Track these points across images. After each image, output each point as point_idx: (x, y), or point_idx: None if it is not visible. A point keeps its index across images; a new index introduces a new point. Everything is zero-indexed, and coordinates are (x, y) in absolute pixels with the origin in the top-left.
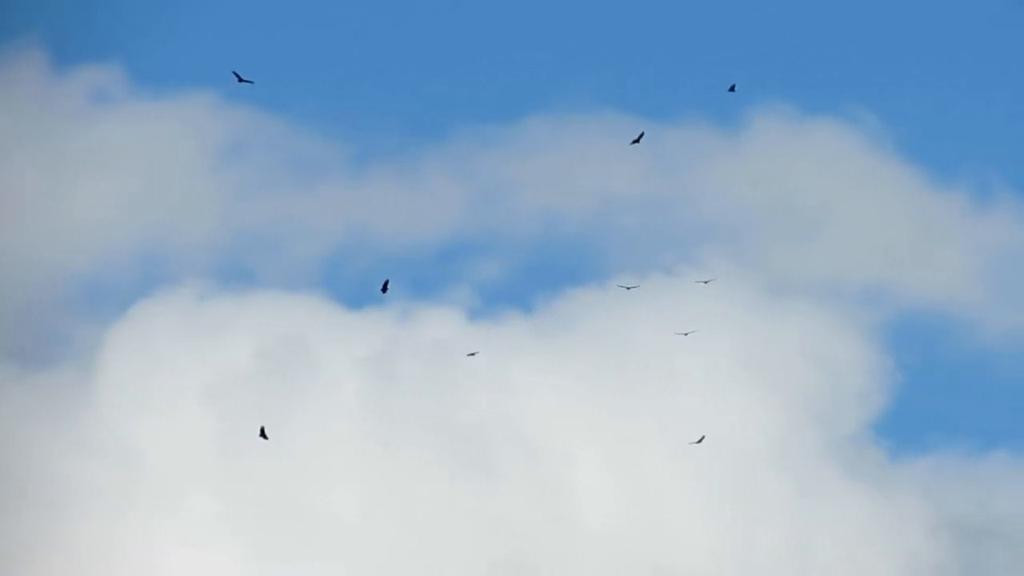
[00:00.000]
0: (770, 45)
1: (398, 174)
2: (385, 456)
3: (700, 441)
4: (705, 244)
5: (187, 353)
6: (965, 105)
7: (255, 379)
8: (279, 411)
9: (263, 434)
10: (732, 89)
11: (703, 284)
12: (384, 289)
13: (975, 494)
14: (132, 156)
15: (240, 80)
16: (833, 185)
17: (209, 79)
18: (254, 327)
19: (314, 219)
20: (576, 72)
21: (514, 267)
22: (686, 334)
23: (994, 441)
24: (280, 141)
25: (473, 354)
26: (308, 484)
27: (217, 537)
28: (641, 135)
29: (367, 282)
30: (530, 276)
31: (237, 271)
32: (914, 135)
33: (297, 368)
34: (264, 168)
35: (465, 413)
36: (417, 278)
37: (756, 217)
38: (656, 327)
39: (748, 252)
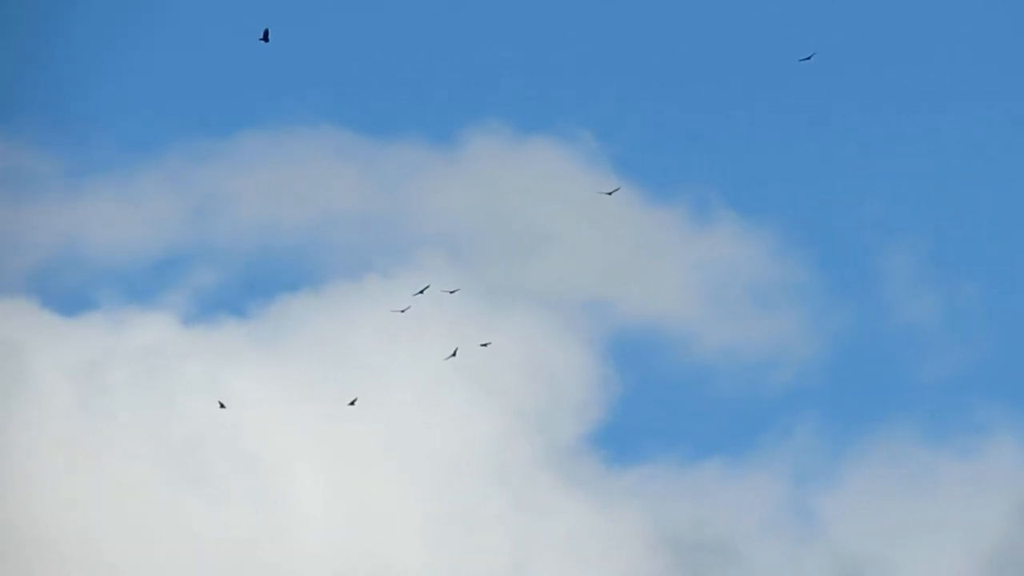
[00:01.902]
0: (485, 64)
1: (114, 188)
2: (98, 466)
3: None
4: (423, 253)
5: None
6: (682, 123)
7: None
8: None
9: None
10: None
11: (448, 293)
12: (265, 38)
13: (692, 507)
14: None
15: (266, 38)
16: (552, 202)
17: None
18: None
19: (28, 231)
20: (294, 87)
21: (230, 276)
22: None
23: (709, 451)
24: None
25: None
26: (16, 494)
27: None
28: (616, 189)
29: (80, 291)
30: (246, 284)
31: None
32: (631, 153)
33: (7, 375)
34: None
35: (180, 421)
36: (131, 286)
37: (475, 233)
38: (373, 334)
39: (467, 264)
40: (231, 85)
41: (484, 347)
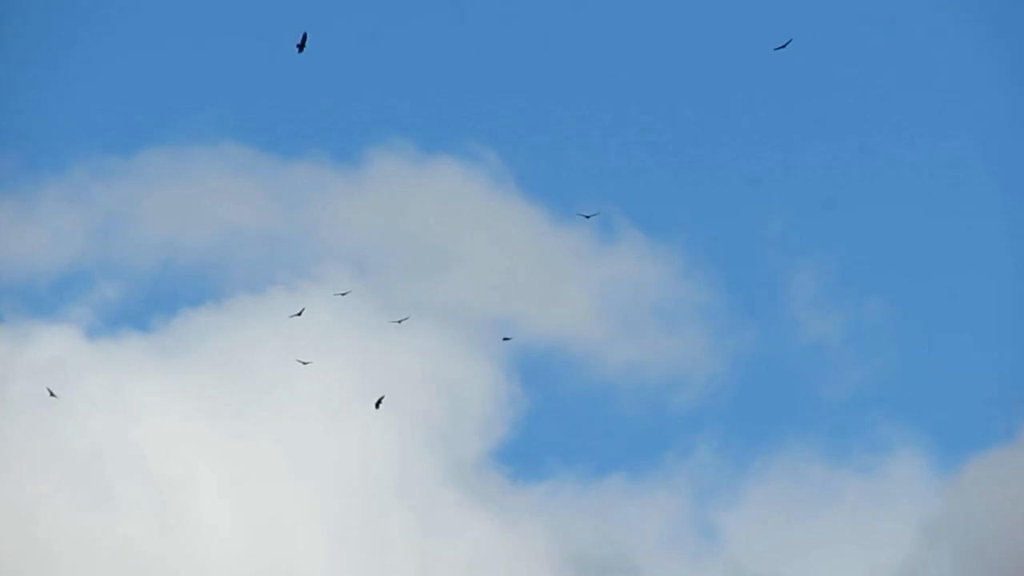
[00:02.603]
0: (389, 83)
1: (16, 204)
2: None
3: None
4: (327, 268)
5: None
6: (587, 142)
7: None
8: None
9: None
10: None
11: (340, 296)
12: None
13: (596, 523)
14: None
15: (302, 46)
16: (456, 222)
17: None
18: None
19: None
20: (197, 104)
21: (133, 291)
22: (305, 363)
23: (612, 468)
24: None
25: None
26: None
27: None
28: (595, 214)
29: None
30: (149, 299)
31: None
32: (536, 173)
33: None
34: None
35: (82, 436)
36: (34, 300)
37: (379, 250)
38: (276, 349)
39: (371, 279)
40: (134, 103)
41: (399, 323)
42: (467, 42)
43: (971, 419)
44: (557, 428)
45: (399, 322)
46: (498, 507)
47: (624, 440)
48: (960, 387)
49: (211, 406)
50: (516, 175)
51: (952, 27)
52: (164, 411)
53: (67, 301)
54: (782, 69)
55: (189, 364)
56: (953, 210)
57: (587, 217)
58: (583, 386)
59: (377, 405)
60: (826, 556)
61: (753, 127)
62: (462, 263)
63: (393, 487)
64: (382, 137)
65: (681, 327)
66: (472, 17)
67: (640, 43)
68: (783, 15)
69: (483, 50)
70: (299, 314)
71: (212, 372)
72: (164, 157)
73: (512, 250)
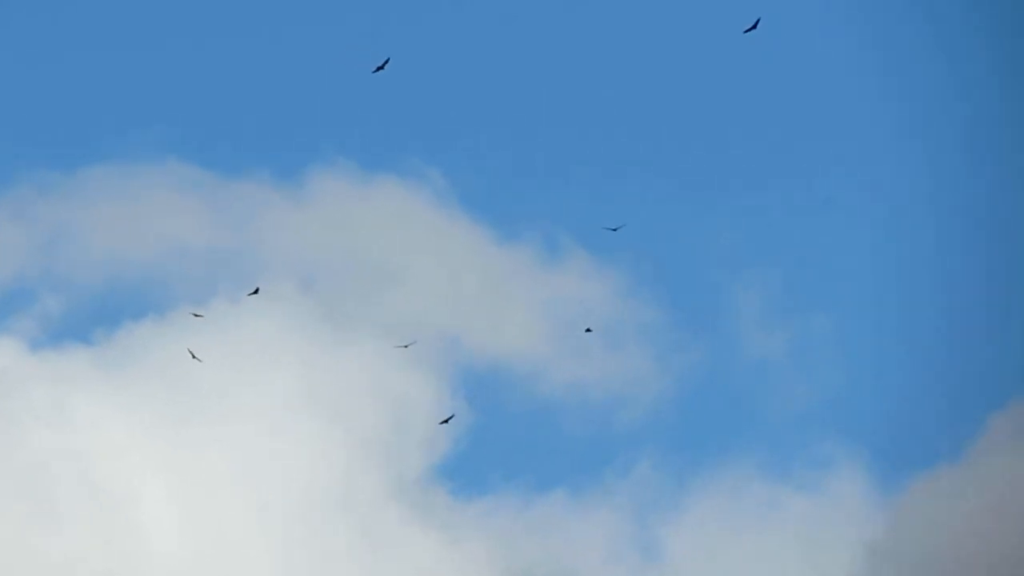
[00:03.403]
0: (331, 102)
1: None
2: None
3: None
4: (270, 282)
5: None
6: (529, 162)
7: None
8: None
9: None
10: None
11: (196, 317)
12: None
13: (539, 539)
14: None
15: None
16: (400, 240)
17: None
18: None
19: None
20: (139, 122)
21: (76, 305)
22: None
23: (553, 483)
24: None
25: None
26: None
27: None
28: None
29: None
30: (93, 313)
31: None
32: (479, 191)
33: None
34: None
35: (25, 449)
36: None
37: (322, 267)
38: (219, 359)
39: (314, 295)
40: (77, 118)
41: (406, 347)
42: (411, 60)
43: (916, 437)
44: (500, 444)
45: (406, 347)
46: (442, 522)
47: (566, 457)
48: (905, 405)
49: (155, 418)
50: (459, 194)
51: (903, 38)
52: (108, 423)
53: (9, 314)
54: (727, 81)
55: (132, 376)
56: (900, 226)
57: (614, 230)
58: (526, 403)
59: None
60: (769, 573)
61: (696, 141)
62: (406, 280)
63: (338, 501)
64: (325, 156)
65: (625, 345)
66: (413, 36)
67: (582, 60)
68: (713, 20)
69: (427, 67)
70: (198, 315)
71: (155, 384)
72: (107, 174)
73: (456, 268)
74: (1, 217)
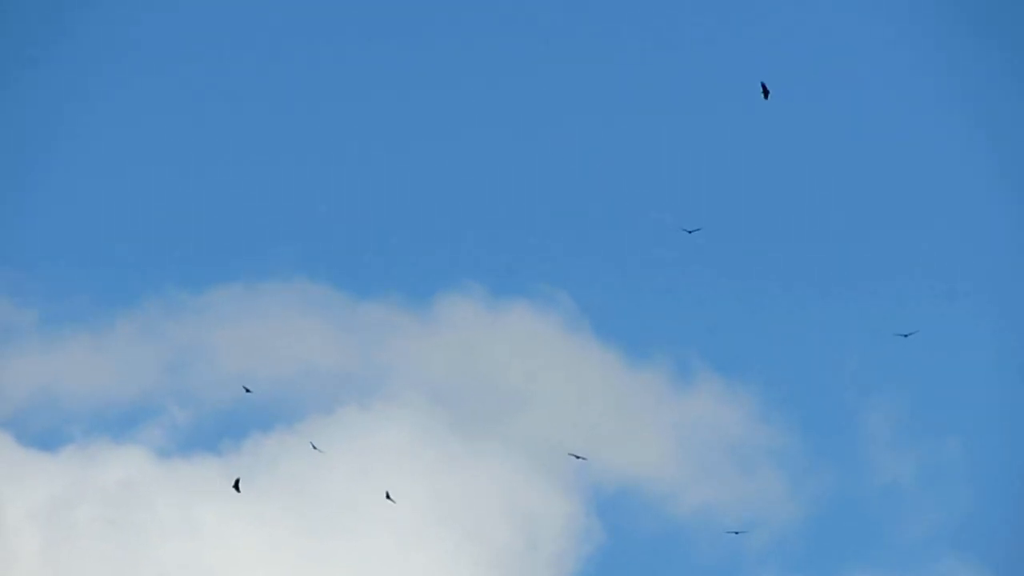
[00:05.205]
0: (461, 226)
1: (89, 339)
2: None
3: None
4: (401, 395)
5: None
6: (659, 285)
7: None
8: None
9: None
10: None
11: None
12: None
13: None
14: None
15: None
16: (531, 365)
17: None
18: None
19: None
20: (270, 240)
21: (205, 417)
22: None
23: None
24: None
25: None
26: None
27: None
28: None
29: (53, 431)
30: (221, 424)
31: None
32: (610, 316)
33: None
34: None
35: (151, 561)
36: (105, 425)
37: (452, 390)
38: (348, 472)
39: (445, 409)
40: (206, 237)
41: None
42: (536, 183)
43: None
44: (629, 565)
45: (578, 457)
46: None
47: (692, 574)
48: None
49: (283, 529)
50: (591, 318)
51: None
52: (236, 534)
53: (137, 425)
54: (865, 208)
55: (262, 487)
56: None
57: (689, 232)
58: (656, 525)
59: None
60: None
61: (825, 265)
62: (537, 403)
63: None
64: (452, 281)
65: (757, 469)
66: (541, 157)
67: (708, 184)
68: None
69: (555, 191)
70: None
71: (284, 495)
72: (236, 293)
73: (587, 392)
74: (129, 336)
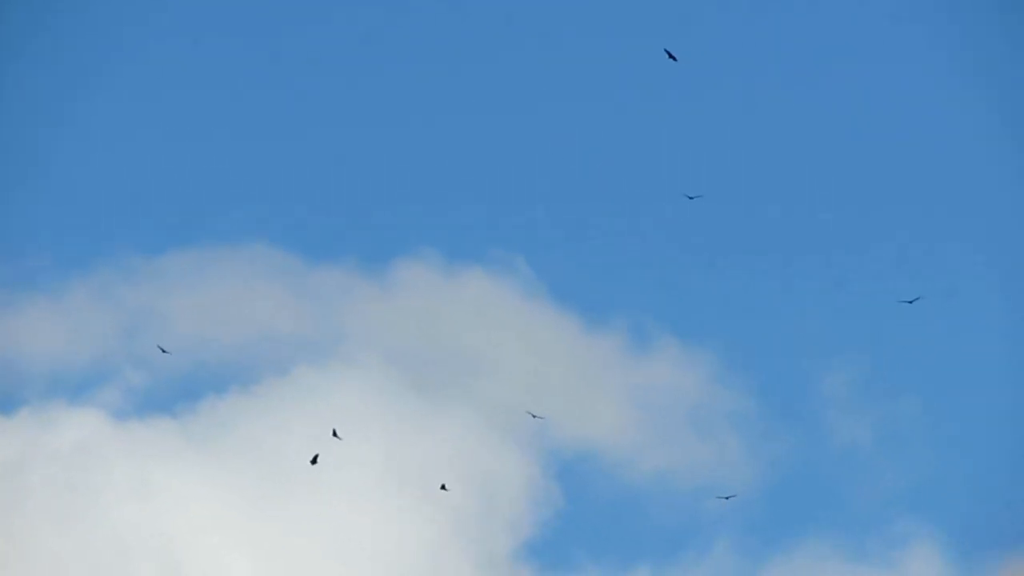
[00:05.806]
0: (417, 193)
1: (44, 302)
2: (17, 568)
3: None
4: (357, 355)
5: None
6: (616, 250)
7: None
8: None
9: None
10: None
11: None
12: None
13: None
14: None
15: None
16: (488, 330)
17: None
18: None
19: None
20: (226, 205)
21: (161, 379)
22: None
23: (636, 560)
24: None
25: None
26: None
27: None
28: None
29: (8, 393)
30: (176, 386)
31: None
32: (567, 281)
33: None
34: None
35: (106, 523)
36: (59, 387)
37: (409, 353)
38: (304, 433)
39: (402, 370)
40: (162, 202)
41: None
42: (496, 150)
43: (1002, 521)
44: (586, 528)
45: (535, 416)
46: None
47: (650, 537)
48: (991, 489)
49: (239, 490)
50: (547, 283)
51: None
52: (190, 494)
53: (93, 387)
54: (817, 176)
55: (218, 449)
56: (987, 309)
57: (691, 199)
58: (614, 489)
59: (313, 461)
60: None
61: (785, 231)
62: (494, 368)
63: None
64: (409, 247)
65: (714, 433)
66: (496, 126)
67: (667, 147)
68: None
69: (514, 157)
70: (314, 461)
71: (239, 457)
72: (192, 257)
73: (543, 357)
74: (85, 298)
